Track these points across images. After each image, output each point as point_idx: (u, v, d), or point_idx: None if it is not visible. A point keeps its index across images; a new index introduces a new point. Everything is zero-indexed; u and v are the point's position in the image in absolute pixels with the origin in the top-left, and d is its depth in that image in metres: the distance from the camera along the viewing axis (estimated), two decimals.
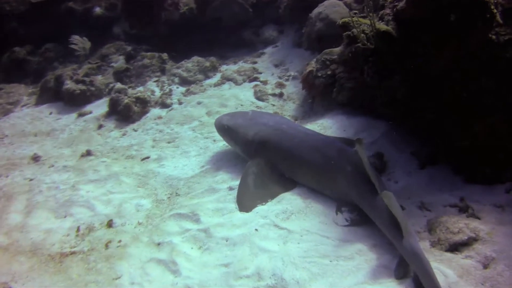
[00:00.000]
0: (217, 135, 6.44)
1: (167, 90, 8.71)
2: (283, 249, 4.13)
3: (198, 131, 7.00)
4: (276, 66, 9.26)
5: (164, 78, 9.18)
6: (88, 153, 6.80)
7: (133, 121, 7.82)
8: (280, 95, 7.96)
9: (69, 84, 8.76)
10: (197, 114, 7.54)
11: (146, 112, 8.03)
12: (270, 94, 7.97)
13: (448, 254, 3.93)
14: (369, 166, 4.17)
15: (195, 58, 9.36)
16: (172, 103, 8.23)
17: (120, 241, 4.71)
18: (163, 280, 4.05)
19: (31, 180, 6.18)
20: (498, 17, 4.27)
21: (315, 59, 6.87)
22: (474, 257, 3.83)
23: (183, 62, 9.40)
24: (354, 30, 5.02)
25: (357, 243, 4.16)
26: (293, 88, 8.09)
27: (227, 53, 10.34)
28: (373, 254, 4.02)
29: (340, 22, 5.41)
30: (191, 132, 6.99)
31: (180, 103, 8.19)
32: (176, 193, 5.50)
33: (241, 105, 7.68)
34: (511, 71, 4.36)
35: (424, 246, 4.03)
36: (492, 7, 4.16)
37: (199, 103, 7.93)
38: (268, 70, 9.09)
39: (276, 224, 4.50)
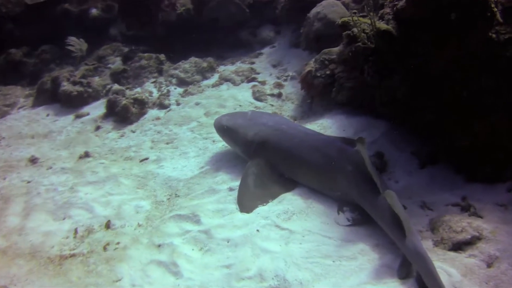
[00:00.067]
0: (216, 136, 6.41)
1: (165, 91, 8.67)
2: (285, 250, 4.10)
3: (196, 131, 6.97)
4: (274, 66, 9.24)
5: (161, 79, 9.14)
6: (86, 154, 6.76)
7: (131, 122, 7.77)
8: (279, 95, 7.93)
9: (66, 86, 8.70)
10: (195, 115, 7.51)
11: (144, 113, 7.99)
12: (269, 95, 7.95)
13: (452, 253, 3.91)
14: (370, 165, 4.15)
15: (193, 59, 9.32)
16: (170, 104, 8.19)
17: (120, 243, 4.68)
18: (164, 282, 4.02)
19: (28, 182, 6.13)
20: (498, 16, 4.26)
21: (313, 59, 6.85)
22: (477, 256, 3.81)
23: (180, 63, 9.36)
24: (354, 29, 5.00)
25: (359, 243, 4.14)
26: (291, 88, 8.07)
27: (224, 54, 10.30)
28: (375, 254, 4.00)
29: (340, 22, 5.39)
30: (190, 133, 6.96)
31: (178, 104, 8.16)
32: (176, 194, 5.47)
33: (240, 105, 7.65)
34: (511, 70, 4.35)
35: (427, 245, 4.01)
36: (493, 5, 4.16)
37: (197, 104, 7.90)
38: (266, 71, 9.07)
39: (278, 224, 4.47)
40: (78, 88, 8.74)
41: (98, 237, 4.83)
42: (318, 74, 6.61)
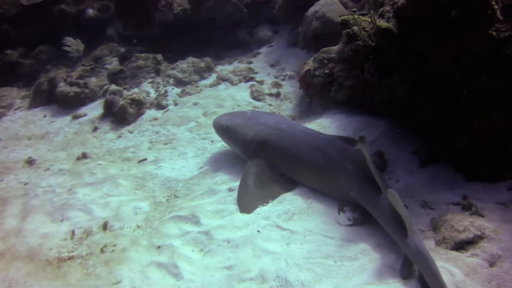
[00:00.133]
0: (214, 136, 6.37)
1: (163, 91, 8.63)
2: (286, 251, 4.07)
3: (195, 132, 6.92)
4: (271, 66, 9.20)
5: (159, 79, 9.10)
6: (84, 156, 6.71)
7: (129, 123, 7.72)
8: (277, 94, 7.90)
9: (63, 87, 8.65)
10: (193, 115, 7.47)
11: (142, 113, 7.94)
12: (267, 94, 7.91)
13: (454, 253, 3.89)
14: (372, 164, 4.12)
15: (190, 59, 9.28)
16: (167, 104, 8.15)
17: (119, 245, 4.63)
18: (165, 283, 3.98)
19: (26, 184, 6.09)
20: (499, 13, 4.25)
21: (312, 58, 6.82)
22: (480, 255, 3.79)
23: (178, 63, 9.32)
24: (354, 27, 4.98)
25: (361, 243, 4.11)
26: (289, 88, 8.04)
27: (222, 54, 10.26)
28: (377, 254, 3.97)
29: (340, 20, 5.36)
30: (188, 133, 6.92)
31: (176, 104, 8.11)
32: (175, 195, 5.43)
33: (238, 105, 7.62)
34: (511, 69, 4.33)
35: (429, 244, 3.99)
36: (493, 3, 4.15)
37: (195, 104, 7.86)
38: (264, 70, 9.03)
39: (278, 225, 4.44)
40: (75, 89, 8.70)
41: (97, 239, 4.78)
42: (317, 73, 6.58)
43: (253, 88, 8.10)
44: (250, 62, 9.51)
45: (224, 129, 5.72)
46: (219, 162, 5.93)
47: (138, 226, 4.94)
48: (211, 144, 6.47)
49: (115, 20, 10.69)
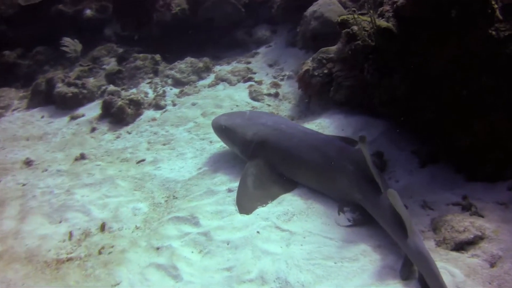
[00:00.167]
0: (213, 136, 6.35)
1: (161, 91, 8.60)
2: (286, 252, 4.05)
3: (193, 132, 6.90)
4: (270, 66, 9.18)
5: (157, 80, 9.06)
6: (82, 156, 6.68)
7: (127, 124, 7.69)
8: (276, 95, 7.87)
9: (60, 87, 8.62)
10: (192, 116, 7.45)
11: (140, 114, 7.92)
12: (266, 94, 7.89)
13: (454, 253, 3.88)
14: (372, 164, 4.10)
15: (188, 59, 9.25)
16: (166, 105, 8.13)
17: (117, 246, 4.60)
18: (164, 285, 3.96)
19: (24, 185, 6.05)
20: (498, 13, 4.24)
21: (311, 58, 6.80)
22: (480, 255, 3.78)
23: (176, 63, 9.28)
24: (354, 27, 4.96)
25: (361, 243, 4.09)
26: (288, 88, 8.02)
27: (220, 54, 10.24)
28: (377, 255, 3.95)
29: (339, 20, 5.34)
30: (187, 134, 6.90)
31: (174, 105, 8.09)
32: (174, 196, 5.41)
33: (237, 105, 7.60)
34: (511, 68, 4.32)
35: (429, 245, 3.97)
36: (493, 2, 4.14)
37: (193, 104, 7.83)
38: (263, 70, 9.00)
39: (278, 226, 4.42)
40: (73, 89, 8.65)
41: (95, 240, 4.76)
42: (316, 73, 6.57)
43: (252, 88, 8.07)
44: (249, 62, 9.47)
45: (223, 130, 5.69)
46: (218, 163, 5.91)
47: (137, 227, 4.92)
48: (210, 145, 6.45)
49: (113, 21, 10.65)
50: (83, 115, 8.24)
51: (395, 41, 4.56)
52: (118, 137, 7.30)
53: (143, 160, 6.35)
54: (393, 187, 4.77)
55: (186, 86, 8.71)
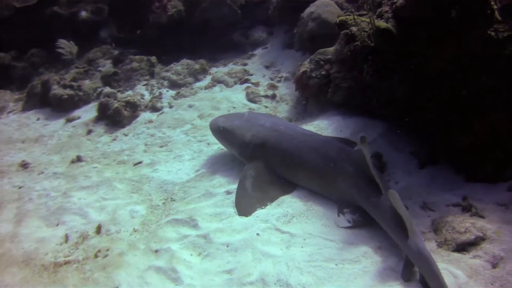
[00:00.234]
0: (210, 138, 6.33)
1: (157, 93, 8.56)
2: (286, 254, 4.03)
3: (191, 134, 6.87)
4: (267, 67, 9.17)
5: (153, 82, 9.03)
6: (78, 159, 6.63)
7: (123, 126, 7.65)
8: (273, 96, 7.85)
9: (56, 89, 8.57)
10: (189, 117, 7.42)
11: (136, 116, 7.87)
12: (263, 96, 7.87)
13: (456, 254, 3.86)
14: (372, 165, 4.08)
15: (184, 61, 9.22)
16: (162, 107, 8.09)
17: (115, 249, 4.56)
18: None
19: (20, 187, 6.01)
20: (497, 14, 4.24)
21: (308, 59, 6.78)
22: (482, 256, 3.76)
23: (172, 65, 9.25)
24: (353, 28, 4.94)
25: (362, 245, 4.07)
26: (285, 90, 8.00)
27: (216, 55, 10.21)
28: (378, 257, 3.94)
29: (338, 20, 5.31)
30: (184, 136, 6.87)
31: (171, 107, 8.06)
32: (172, 198, 5.37)
33: (234, 107, 7.57)
34: (510, 69, 4.31)
35: (430, 246, 3.96)
36: (492, 2, 4.13)
37: (190, 106, 7.81)
38: (259, 72, 8.99)
39: (278, 228, 4.39)
40: (68, 91, 8.61)
41: (93, 243, 4.72)
42: (313, 75, 6.55)
43: (249, 90, 8.05)
44: (245, 64, 9.47)
45: (221, 131, 5.66)
46: (216, 165, 5.88)
47: (135, 230, 4.88)
48: (208, 147, 6.42)
49: (109, 23, 10.62)
50: (79, 117, 8.20)
51: (395, 41, 4.55)
52: (114, 139, 7.25)
53: (140, 163, 6.31)
54: (393, 188, 4.75)
55: (183, 88, 8.69)
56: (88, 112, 8.32)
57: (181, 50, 9.89)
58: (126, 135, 7.32)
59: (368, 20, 4.66)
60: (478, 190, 4.65)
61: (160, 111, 7.97)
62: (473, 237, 3.90)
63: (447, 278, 3.43)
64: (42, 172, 6.38)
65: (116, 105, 7.68)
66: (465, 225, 3.99)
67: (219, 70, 9.27)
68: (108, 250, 4.57)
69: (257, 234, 4.31)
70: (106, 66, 9.79)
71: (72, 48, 9.90)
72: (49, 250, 4.67)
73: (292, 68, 8.47)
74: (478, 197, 4.55)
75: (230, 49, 10.35)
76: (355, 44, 4.95)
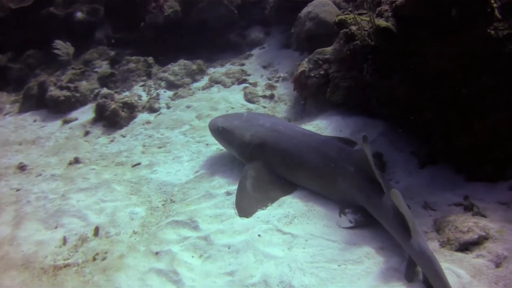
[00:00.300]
0: (209, 139, 6.30)
1: (154, 94, 8.53)
2: (289, 255, 4.00)
3: (189, 135, 6.84)
4: (264, 67, 9.14)
5: (150, 82, 9.00)
6: (76, 160, 6.59)
7: (121, 127, 7.61)
8: (271, 96, 7.83)
9: (53, 91, 8.52)
10: (187, 118, 7.39)
11: (134, 117, 7.84)
12: (261, 96, 7.84)
13: (459, 254, 3.84)
14: (374, 165, 4.06)
15: (182, 61, 9.19)
16: (160, 108, 8.06)
17: (114, 251, 4.52)
18: None
19: (18, 190, 5.96)
20: (497, 12, 4.22)
21: (307, 59, 6.75)
22: (485, 256, 3.75)
23: (169, 65, 9.22)
24: (352, 27, 4.92)
25: (364, 246, 4.05)
26: (283, 90, 7.97)
27: (213, 56, 10.17)
28: (381, 257, 3.91)
29: (337, 20, 5.30)
30: (182, 137, 6.83)
31: (169, 107, 8.02)
32: (171, 199, 5.33)
33: (232, 107, 7.55)
34: (510, 68, 4.30)
35: (433, 246, 3.94)
36: (492, 1, 4.11)
37: (188, 107, 7.77)
38: (257, 72, 8.96)
39: (279, 229, 4.36)
40: (65, 93, 8.57)
41: (92, 246, 4.68)
42: (312, 74, 6.52)
43: (247, 90, 8.03)
44: (243, 64, 9.43)
45: (220, 131, 5.63)
46: (215, 166, 5.85)
47: (134, 232, 4.84)
48: (206, 147, 6.39)
49: (105, 23, 10.57)
50: (76, 119, 8.16)
51: (395, 41, 4.53)
52: (112, 141, 7.21)
53: (138, 164, 6.27)
54: (394, 188, 4.75)
55: (180, 89, 8.66)
56: (85, 113, 8.28)
57: (178, 50, 9.85)
58: (124, 136, 7.28)
59: (368, 19, 4.64)
60: (479, 190, 4.64)
61: (158, 112, 7.94)
62: (476, 236, 3.88)
63: (450, 278, 3.41)
64: (40, 174, 6.34)
65: (113, 106, 7.64)
66: (468, 225, 3.98)
67: (216, 71, 9.24)
68: (107, 252, 4.53)
69: (259, 235, 4.28)
70: (103, 67, 9.74)
71: (69, 49, 9.85)
72: (48, 253, 4.62)
73: (290, 68, 8.45)
74: (479, 197, 4.54)
75: (227, 49, 10.30)
76: (354, 43, 4.93)
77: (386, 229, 4.05)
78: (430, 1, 4.13)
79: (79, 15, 10.68)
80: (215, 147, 6.25)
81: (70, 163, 6.56)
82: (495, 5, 4.16)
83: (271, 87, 8.12)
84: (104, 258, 4.45)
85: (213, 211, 4.87)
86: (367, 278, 3.69)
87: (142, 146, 6.80)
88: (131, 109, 7.82)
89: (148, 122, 7.58)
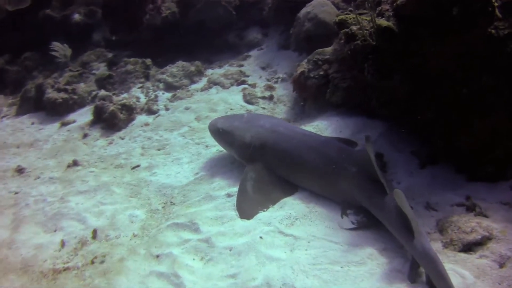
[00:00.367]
0: (209, 141, 6.27)
1: (153, 96, 8.49)
2: (291, 257, 3.97)
3: (188, 137, 6.79)
4: (263, 68, 9.10)
5: (148, 84, 8.95)
6: (75, 163, 6.54)
7: (119, 129, 7.56)
8: (270, 97, 7.80)
9: (50, 93, 8.47)
10: (186, 120, 7.35)
11: (132, 119, 7.79)
12: (260, 97, 7.80)
13: (462, 255, 3.83)
14: (376, 165, 4.03)
15: (180, 63, 9.15)
16: (158, 109, 8.01)
17: (115, 254, 4.49)
18: None
19: (16, 193, 5.91)
20: (497, 11, 4.21)
21: (306, 60, 6.73)
22: (489, 256, 3.74)
23: (167, 67, 9.17)
24: (353, 27, 4.90)
25: (367, 247, 4.02)
26: (283, 91, 7.94)
27: (211, 57, 10.13)
28: (384, 258, 3.89)
29: (337, 20, 5.28)
30: (182, 138, 6.79)
31: (167, 109, 7.98)
32: (171, 202, 5.30)
33: (231, 109, 7.51)
34: (511, 68, 4.29)
35: (436, 247, 3.93)
36: (493, 0, 4.09)
37: (187, 108, 7.73)
38: (256, 73, 8.92)
39: (281, 230, 4.33)
40: (63, 95, 8.52)
41: (92, 249, 4.64)
42: (312, 75, 6.49)
43: (246, 91, 7.99)
44: (241, 65, 9.39)
45: (220, 133, 5.60)
46: (215, 167, 5.81)
47: (134, 235, 4.80)
48: (206, 149, 6.35)
49: (102, 25, 10.54)
50: (74, 121, 8.11)
51: (396, 40, 4.51)
52: (110, 143, 7.17)
53: (138, 166, 6.23)
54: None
55: (179, 90, 8.61)
56: (83, 115, 8.23)
57: (176, 52, 9.81)
58: (122, 139, 7.23)
59: (368, 18, 4.62)
60: (480, 190, 4.63)
61: (157, 114, 7.90)
62: (480, 236, 3.87)
63: (454, 279, 3.39)
64: (38, 177, 6.29)
65: (112, 108, 7.60)
66: (471, 225, 3.96)
67: (214, 72, 9.20)
68: (107, 256, 4.49)
69: (260, 237, 4.25)
70: (101, 69, 9.70)
71: (66, 51, 9.80)
72: (48, 257, 4.59)
73: (288, 69, 8.42)
74: (481, 197, 4.53)
75: (226, 51, 10.27)
76: (355, 43, 4.90)
77: (388, 230, 4.02)
78: (431, 1, 4.12)
79: (77, 17, 10.64)
80: (215, 148, 6.22)
81: (68, 166, 6.51)
82: (496, 4, 4.15)
83: (270, 88, 8.09)
84: (104, 262, 4.42)
85: (214, 213, 4.84)
86: (370, 280, 3.66)
87: (141, 148, 6.76)
88: (130, 111, 7.78)
89: (147, 124, 7.53)
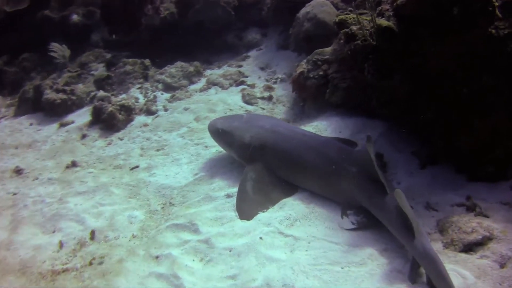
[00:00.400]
0: (208, 141, 6.25)
1: (151, 96, 8.47)
2: (291, 258, 3.96)
3: (187, 137, 6.77)
4: (262, 69, 9.09)
5: (147, 85, 8.93)
6: (73, 164, 6.52)
7: (118, 130, 7.54)
8: (269, 98, 7.78)
9: (49, 94, 8.45)
10: (185, 120, 7.33)
11: (131, 120, 7.77)
12: (259, 98, 7.79)
13: (463, 255, 3.82)
14: (376, 165, 4.02)
15: (179, 63, 9.13)
16: (157, 110, 7.99)
17: (114, 255, 4.47)
18: None
19: (14, 194, 5.89)
20: (497, 11, 4.20)
21: (305, 60, 6.72)
22: (490, 256, 3.73)
23: (166, 67, 9.16)
24: (353, 27, 4.89)
25: (367, 247, 4.01)
26: (282, 91, 7.93)
27: (210, 58, 10.11)
28: (384, 259, 3.88)
29: (337, 20, 5.27)
30: (181, 139, 6.76)
31: (166, 110, 7.96)
32: (170, 202, 5.28)
33: (230, 109, 7.49)
34: (511, 67, 4.28)
35: (436, 247, 3.92)
36: (493, 0, 4.09)
37: (186, 109, 7.71)
38: (255, 74, 8.91)
39: (281, 231, 4.32)
40: (61, 95, 8.49)
41: (91, 250, 4.62)
42: (311, 75, 6.48)
43: (245, 91, 7.98)
44: (240, 66, 9.38)
45: (219, 133, 5.59)
46: (214, 168, 5.80)
47: (133, 236, 4.78)
48: (205, 150, 6.33)
49: (101, 26, 10.49)
50: (72, 122, 8.07)
51: (396, 40, 4.50)
52: (109, 144, 7.14)
53: (136, 167, 6.21)
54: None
55: (177, 91, 8.60)
56: (81, 116, 8.20)
57: (175, 52, 9.78)
58: (121, 139, 7.21)
59: (368, 18, 4.61)
60: (480, 190, 4.62)
61: (155, 115, 7.88)
62: (480, 237, 3.86)
63: (455, 279, 3.39)
64: (37, 178, 6.27)
65: (110, 108, 7.57)
66: (472, 225, 3.95)
67: (213, 72, 9.18)
68: (106, 257, 4.47)
69: (260, 238, 4.23)
70: (99, 69, 9.65)
71: (65, 52, 9.76)
72: (46, 258, 4.57)
73: (288, 69, 8.41)
74: (481, 197, 4.52)
75: (224, 51, 10.25)
76: (355, 43, 4.89)
77: (389, 230, 4.01)
78: (431, 1, 4.12)
79: (75, 17, 10.59)
80: (214, 149, 6.20)
81: (67, 167, 6.49)
82: (496, 4, 4.14)
83: (269, 88, 8.07)
84: (103, 263, 4.40)
85: (213, 214, 4.83)
86: (370, 280, 3.65)
87: (140, 149, 6.73)
88: (128, 111, 7.76)
89: (146, 125, 7.51)
